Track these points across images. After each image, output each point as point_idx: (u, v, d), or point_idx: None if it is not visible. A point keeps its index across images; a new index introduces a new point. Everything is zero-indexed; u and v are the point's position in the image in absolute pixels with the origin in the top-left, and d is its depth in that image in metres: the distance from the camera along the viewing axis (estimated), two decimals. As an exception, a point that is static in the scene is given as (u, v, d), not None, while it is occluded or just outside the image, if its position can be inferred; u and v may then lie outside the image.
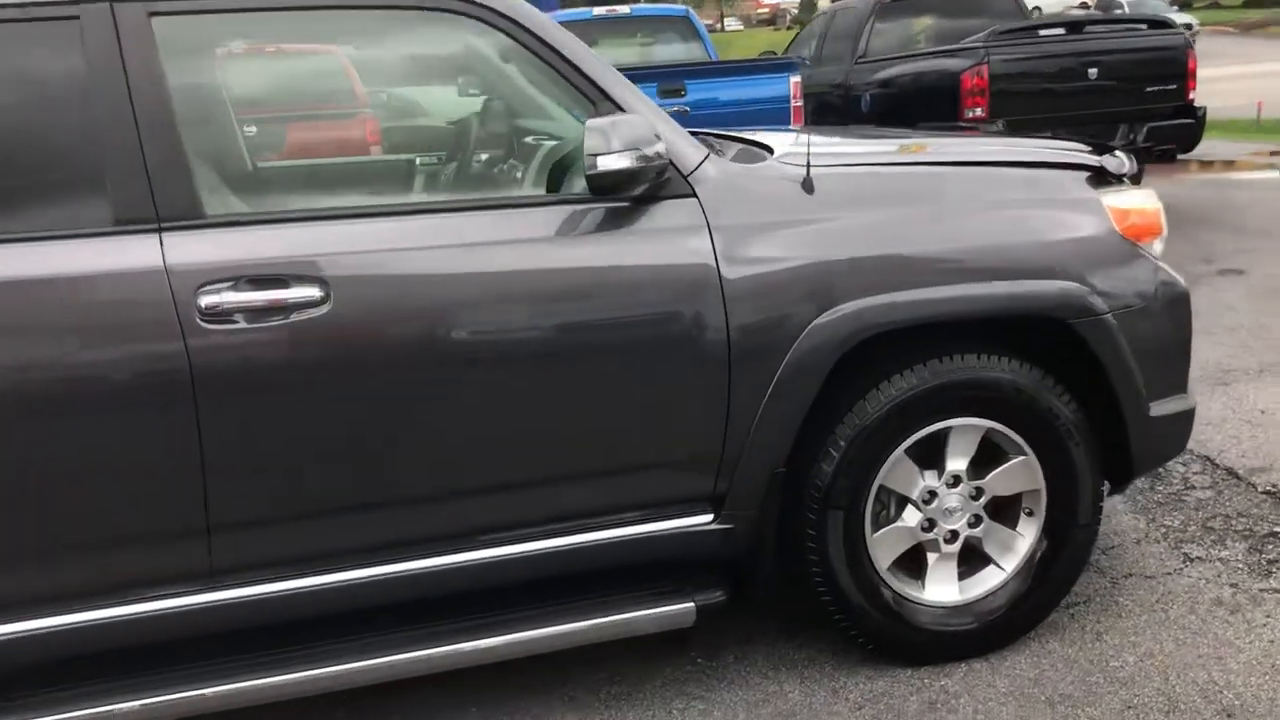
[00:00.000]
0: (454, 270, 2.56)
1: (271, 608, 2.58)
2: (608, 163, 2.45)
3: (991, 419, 2.89)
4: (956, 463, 2.92)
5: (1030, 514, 3.02)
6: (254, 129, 2.73)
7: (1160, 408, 3.00)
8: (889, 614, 2.93)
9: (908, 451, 2.87)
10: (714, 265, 2.65)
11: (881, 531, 2.92)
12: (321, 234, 2.52)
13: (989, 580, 3.02)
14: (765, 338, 2.69)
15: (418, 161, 2.78)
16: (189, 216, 2.43)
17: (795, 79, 8.37)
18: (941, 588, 2.99)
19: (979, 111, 8.74)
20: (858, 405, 2.80)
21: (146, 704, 2.50)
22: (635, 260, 2.65)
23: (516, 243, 2.60)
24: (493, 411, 2.59)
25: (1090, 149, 3.32)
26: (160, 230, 2.40)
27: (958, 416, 2.87)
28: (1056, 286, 2.82)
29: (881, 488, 2.89)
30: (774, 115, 8.33)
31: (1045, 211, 2.90)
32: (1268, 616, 3.12)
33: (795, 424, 2.74)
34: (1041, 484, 2.97)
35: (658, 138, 2.57)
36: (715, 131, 3.56)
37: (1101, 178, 3.00)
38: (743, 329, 2.67)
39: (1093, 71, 8.80)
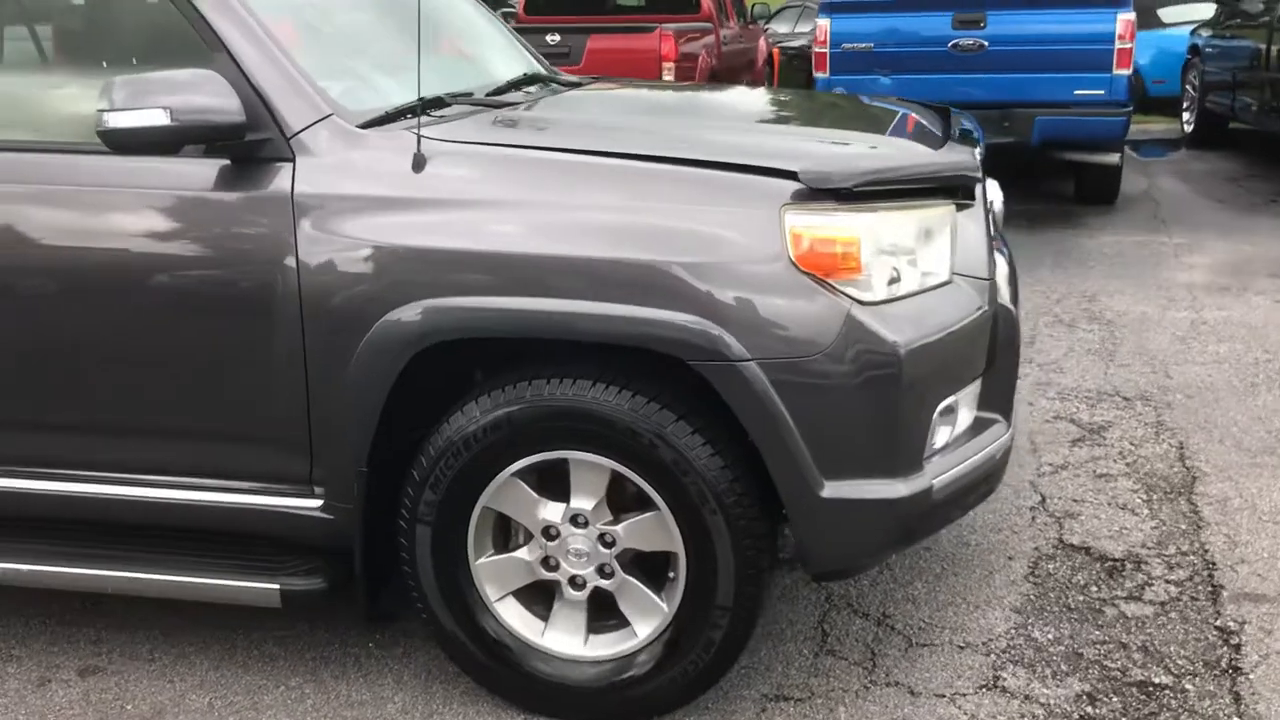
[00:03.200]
0: (29, 214, 2.61)
1: None
2: (118, 120, 2.34)
3: (614, 459, 2.43)
4: (581, 501, 2.50)
5: (674, 580, 2.52)
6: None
7: (841, 489, 2.34)
8: (489, 651, 2.61)
9: (525, 477, 2.51)
10: (291, 239, 2.46)
11: (489, 559, 2.60)
12: None
13: (624, 642, 2.57)
14: (338, 328, 2.46)
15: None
16: None
17: (1126, 16, 7.07)
18: (563, 636, 2.60)
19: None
20: (454, 416, 2.49)
21: None
22: (213, 225, 2.52)
23: (95, 189, 2.57)
24: (56, 357, 2.64)
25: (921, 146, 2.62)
26: None
27: (573, 449, 2.46)
28: (665, 317, 2.28)
29: (496, 511, 2.56)
30: (1091, 57, 7.13)
31: (688, 223, 2.32)
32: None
33: (370, 423, 2.49)
34: (680, 548, 2.46)
35: (258, 94, 2.47)
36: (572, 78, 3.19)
37: (819, 191, 2.32)
38: (316, 315, 2.46)
39: None
